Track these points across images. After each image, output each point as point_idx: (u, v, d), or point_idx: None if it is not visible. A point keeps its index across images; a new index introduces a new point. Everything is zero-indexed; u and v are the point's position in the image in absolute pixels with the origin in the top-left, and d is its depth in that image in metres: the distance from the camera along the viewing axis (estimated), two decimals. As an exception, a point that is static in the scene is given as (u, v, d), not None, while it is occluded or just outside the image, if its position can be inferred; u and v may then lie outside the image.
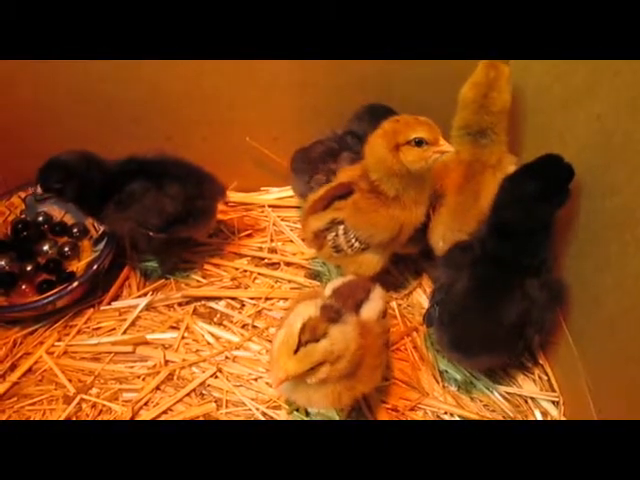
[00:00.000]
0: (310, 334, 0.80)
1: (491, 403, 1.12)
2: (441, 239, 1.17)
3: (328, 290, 1.01)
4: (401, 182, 1.05)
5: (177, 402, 1.12)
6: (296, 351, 0.80)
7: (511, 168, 1.13)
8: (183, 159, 1.23)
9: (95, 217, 1.26)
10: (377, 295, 1.01)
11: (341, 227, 1.11)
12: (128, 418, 1.08)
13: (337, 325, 0.83)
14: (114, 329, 1.24)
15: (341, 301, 0.92)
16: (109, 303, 1.29)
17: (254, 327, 1.24)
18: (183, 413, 1.10)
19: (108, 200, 1.17)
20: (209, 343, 1.21)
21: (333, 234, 1.12)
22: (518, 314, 1.01)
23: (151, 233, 1.19)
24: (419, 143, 1.00)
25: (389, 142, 1.01)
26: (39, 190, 1.17)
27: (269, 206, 1.46)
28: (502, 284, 1.03)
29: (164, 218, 1.17)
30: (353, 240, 1.11)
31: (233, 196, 1.46)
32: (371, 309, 0.98)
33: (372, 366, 0.93)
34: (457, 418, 1.10)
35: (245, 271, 1.34)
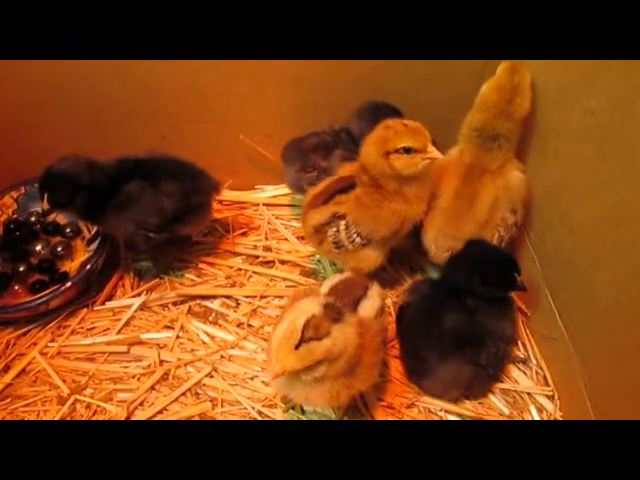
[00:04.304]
0: (313, 332, 0.80)
1: (486, 400, 1.12)
2: (433, 243, 1.17)
3: (325, 287, 1.00)
4: (397, 182, 1.06)
5: (172, 402, 1.11)
6: (297, 347, 0.79)
7: (515, 174, 1.12)
8: (174, 156, 1.22)
9: (95, 222, 1.25)
10: (375, 292, 1.01)
11: (342, 222, 1.10)
12: (123, 418, 1.08)
13: (339, 325, 0.83)
14: (108, 329, 1.24)
15: (338, 298, 0.91)
16: (103, 303, 1.28)
17: (249, 326, 1.23)
18: (178, 413, 1.10)
19: (108, 204, 1.15)
20: (204, 342, 1.21)
21: (334, 229, 1.11)
22: (455, 322, 1.02)
23: (152, 234, 1.18)
24: (408, 151, 1.01)
25: (379, 149, 1.03)
26: (45, 205, 1.13)
27: (263, 204, 1.46)
28: (442, 298, 1.06)
29: (163, 216, 1.16)
30: (354, 235, 1.10)
31: (227, 195, 1.46)
32: (369, 307, 0.98)
33: (370, 364, 0.93)
34: (453, 415, 1.10)
35: (240, 269, 1.34)
